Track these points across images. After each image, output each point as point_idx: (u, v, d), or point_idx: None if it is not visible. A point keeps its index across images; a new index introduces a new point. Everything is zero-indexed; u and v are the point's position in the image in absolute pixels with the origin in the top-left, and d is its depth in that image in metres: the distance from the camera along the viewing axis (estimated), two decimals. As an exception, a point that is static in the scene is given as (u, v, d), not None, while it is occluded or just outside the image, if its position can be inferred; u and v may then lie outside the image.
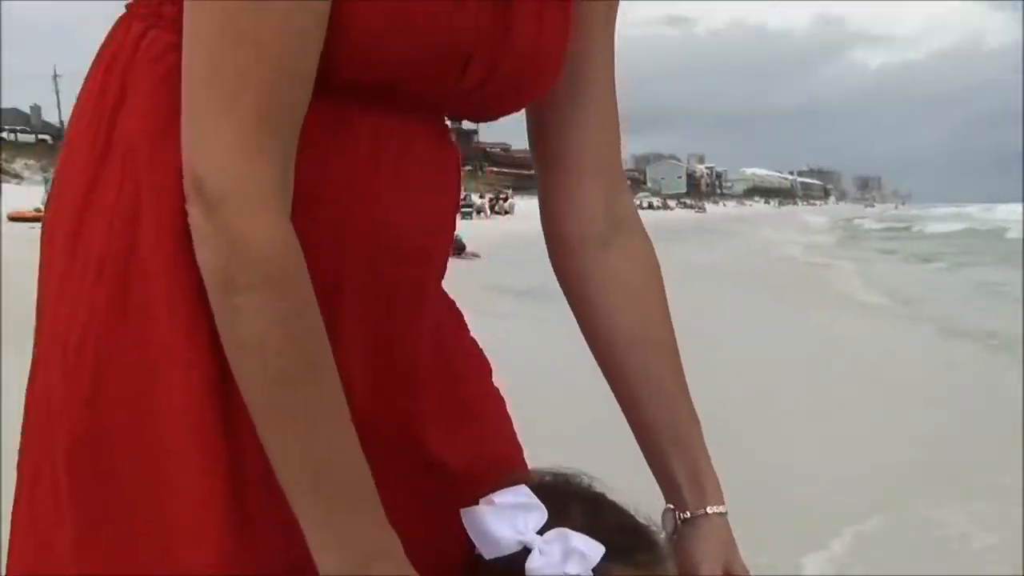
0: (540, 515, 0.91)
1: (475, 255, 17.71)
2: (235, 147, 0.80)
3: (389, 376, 0.95)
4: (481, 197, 52.44)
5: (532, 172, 1.12)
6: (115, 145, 0.88)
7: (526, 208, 51.70)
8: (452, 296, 1.09)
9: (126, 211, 0.87)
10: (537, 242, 1.14)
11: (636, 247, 1.12)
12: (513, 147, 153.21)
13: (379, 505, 0.85)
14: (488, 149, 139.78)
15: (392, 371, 0.95)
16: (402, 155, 0.93)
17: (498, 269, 14.43)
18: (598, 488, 0.99)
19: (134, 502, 0.86)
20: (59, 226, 0.91)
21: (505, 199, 53.07)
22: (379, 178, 0.91)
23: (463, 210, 43.23)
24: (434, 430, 0.99)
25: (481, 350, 1.13)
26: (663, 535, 1.02)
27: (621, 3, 1.09)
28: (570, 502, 0.94)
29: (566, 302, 1.12)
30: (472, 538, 0.91)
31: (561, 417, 4.89)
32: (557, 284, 1.13)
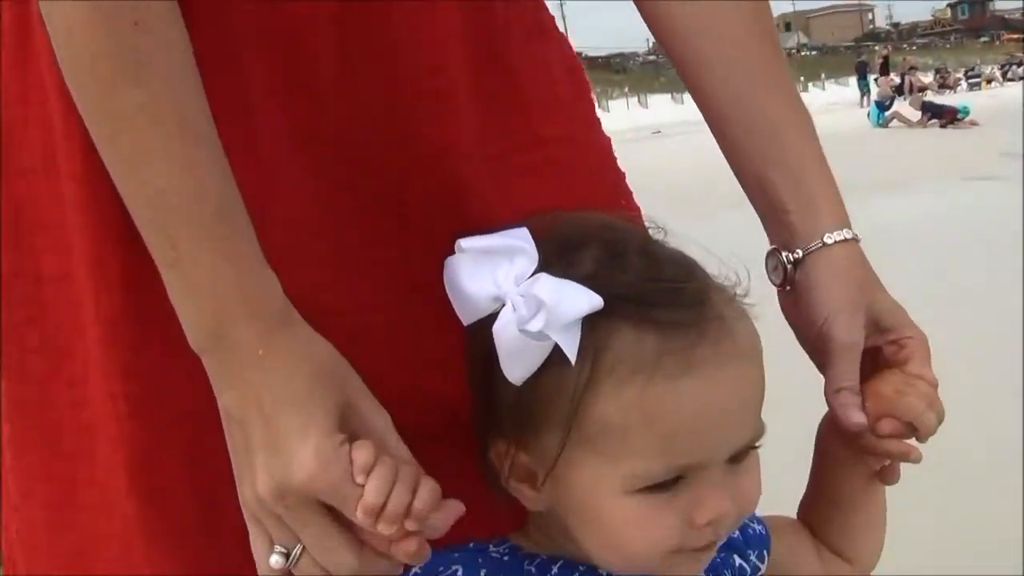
0: (527, 262, 0.66)
1: (973, 123, 17.16)
2: None
3: (402, 107, 0.72)
4: (996, 67, 49.78)
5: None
6: None
7: (1047, 73, 47.61)
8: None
9: None
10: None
11: None
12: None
13: (247, 241, 0.64)
14: (1006, 16, 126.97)
15: (414, 100, 0.72)
16: None
17: (1007, 136, 12.97)
18: (662, 239, 0.70)
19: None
20: None
21: (1019, 64, 49.66)
22: None
23: (970, 80, 40.87)
24: (483, 178, 0.75)
25: (581, 73, 0.82)
26: (744, 298, 0.69)
27: None
28: (588, 248, 0.67)
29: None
30: (449, 297, 0.69)
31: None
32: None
